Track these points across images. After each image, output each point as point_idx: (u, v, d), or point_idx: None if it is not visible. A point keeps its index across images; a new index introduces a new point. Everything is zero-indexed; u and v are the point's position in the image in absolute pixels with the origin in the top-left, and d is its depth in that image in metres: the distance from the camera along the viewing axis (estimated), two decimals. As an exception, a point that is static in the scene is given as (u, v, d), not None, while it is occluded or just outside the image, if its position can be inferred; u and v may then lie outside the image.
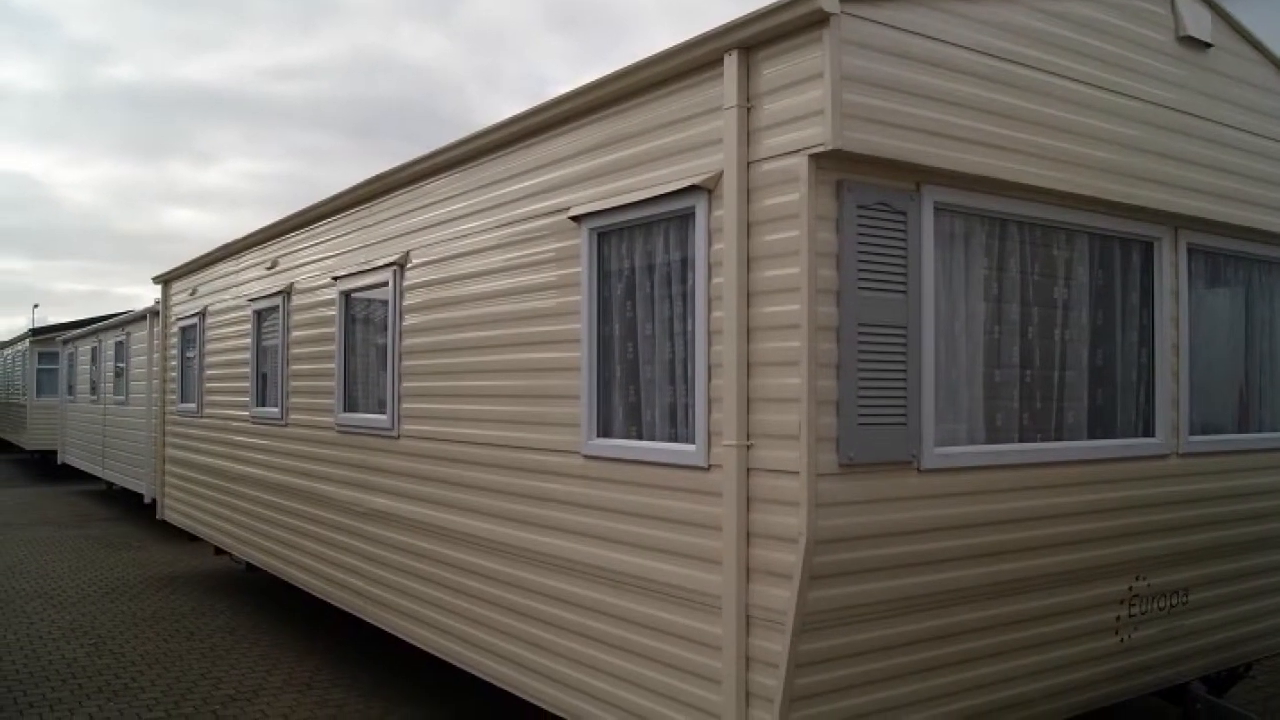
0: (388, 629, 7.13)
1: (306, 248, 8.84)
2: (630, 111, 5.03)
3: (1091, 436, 5.30)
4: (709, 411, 4.52)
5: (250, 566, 10.33)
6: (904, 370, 4.37)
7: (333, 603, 8.00)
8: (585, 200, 5.27)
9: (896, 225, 4.34)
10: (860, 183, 4.20)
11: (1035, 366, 5.10)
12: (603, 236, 5.23)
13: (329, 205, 8.26)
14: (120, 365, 18.01)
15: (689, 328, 4.72)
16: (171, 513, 12.64)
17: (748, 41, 4.32)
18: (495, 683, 5.88)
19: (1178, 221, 5.57)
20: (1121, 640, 5.31)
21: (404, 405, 6.98)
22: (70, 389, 23.13)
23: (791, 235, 4.13)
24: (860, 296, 4.21)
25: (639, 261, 5.08)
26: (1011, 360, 5.01)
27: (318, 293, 8.44)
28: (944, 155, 4.38)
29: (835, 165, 4.12)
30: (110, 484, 19.54)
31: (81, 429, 21.62)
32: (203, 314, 11.49)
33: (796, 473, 4.06)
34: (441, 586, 6.42)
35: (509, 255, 5.92)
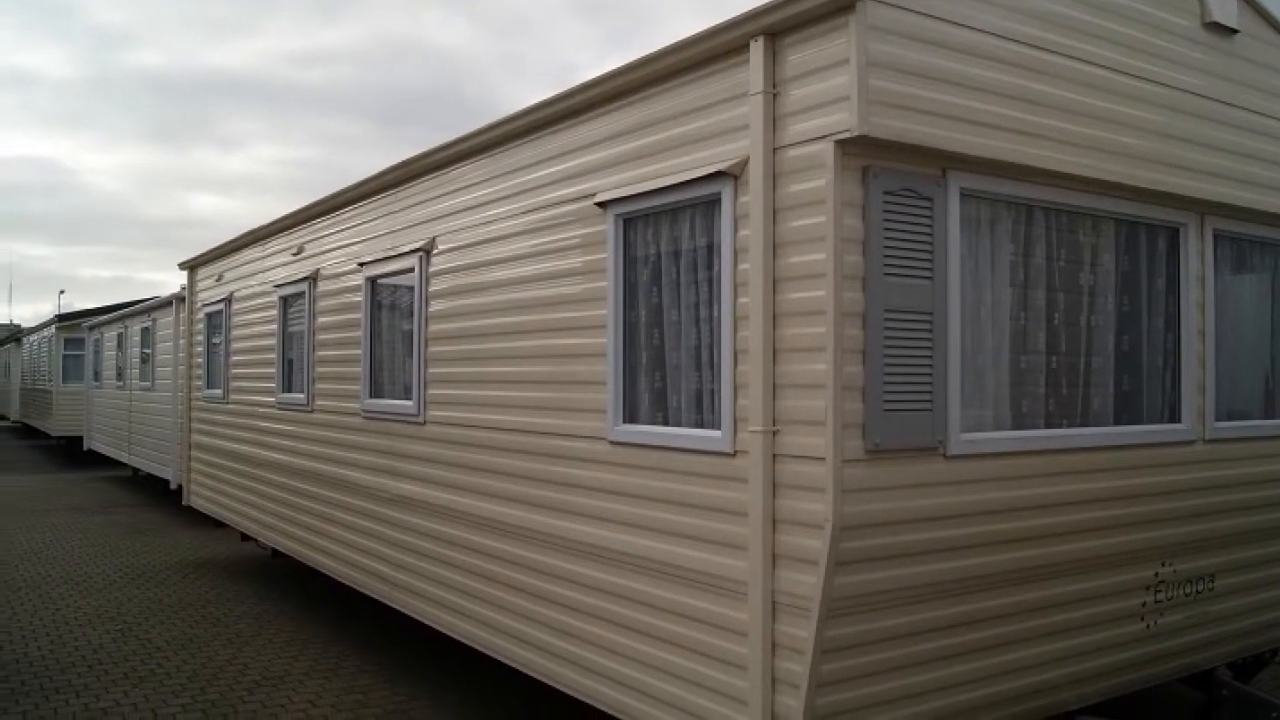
0: (414, 615, 7.19)
1: (332, 234, 8.88)
2: (656, 97, 5.05)
3: (1117, 422, 5.29)
4: (735, 397, 4.54)
5: (276, 553, 10.41)
6: (930, 356, 4.37)
7: (358, 589, 8.06)
8: (611, 186, 5.29)
9: (922, 211, 4.35)
10: (886, 168, 4.20)
11: (1061, 352, 5.10)
12: (629, 222, 5.25)
13: (355, 191, 8.30)
14: (146, 351, 18.15)
15: (715, 313, 4.74)
16: (197, 499, 12.76)
17: (774, 27, 4.33)
18: (520, 668, 5.93)
19: (1204, 207, 5.55)
20: (1147, 626, 5.32)
21: (430, 391, 7.02)
22: (96, 375, 23.34)
23: (817, 221, 4.14)
24: (886, 282, 4.21)
25: (665, 247, 5.10)
26: (1037, 346, 5.01)
27: (343, 279, 8.49)
28: (970, 141, 4.38)
29: (861, 151, 4.12)
30: (136, 470, 19.73)
31: (107, 415, 21.81)
32: (228, 300, 11.56)
33: (822, 459, 4.08)
34: (467, 572, 6.47)
35: (535, 241, 5.95)
